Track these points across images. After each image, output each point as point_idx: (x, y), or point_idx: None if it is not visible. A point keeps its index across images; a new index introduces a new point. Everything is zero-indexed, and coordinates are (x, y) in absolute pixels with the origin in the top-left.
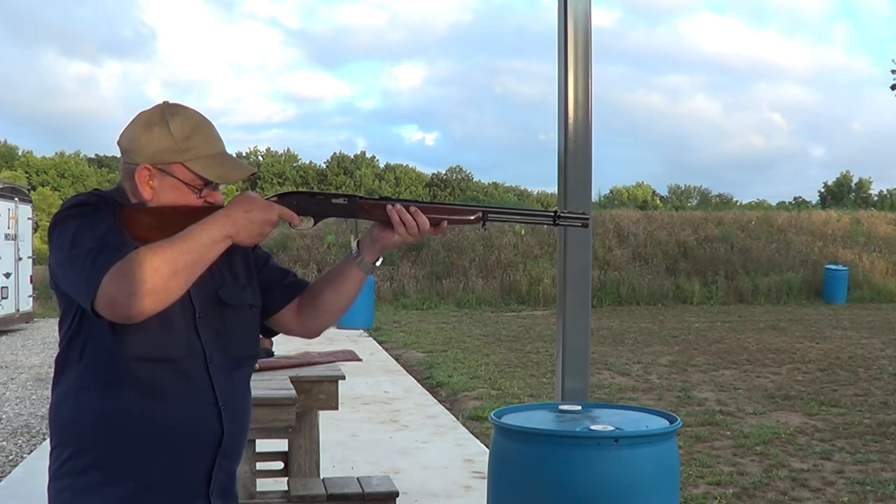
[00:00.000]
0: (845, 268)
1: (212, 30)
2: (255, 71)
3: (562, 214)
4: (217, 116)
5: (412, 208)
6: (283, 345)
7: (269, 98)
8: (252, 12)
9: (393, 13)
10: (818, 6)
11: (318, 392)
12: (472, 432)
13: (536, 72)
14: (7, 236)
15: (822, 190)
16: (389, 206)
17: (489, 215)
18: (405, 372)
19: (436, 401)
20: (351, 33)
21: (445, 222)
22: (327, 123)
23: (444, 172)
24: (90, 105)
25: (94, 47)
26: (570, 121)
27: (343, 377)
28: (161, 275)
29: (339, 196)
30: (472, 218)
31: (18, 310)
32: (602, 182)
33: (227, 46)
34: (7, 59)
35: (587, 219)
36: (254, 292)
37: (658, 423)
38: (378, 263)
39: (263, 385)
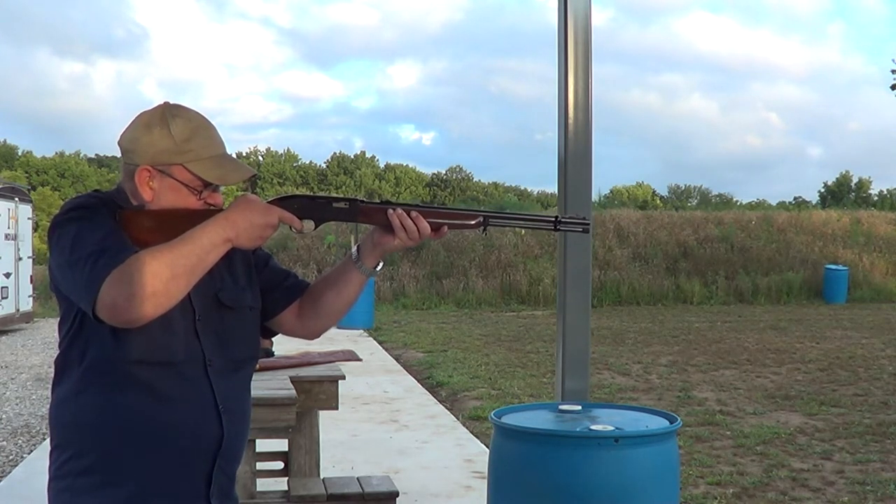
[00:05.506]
0: (845, 268)
1: (204, 29)
2: (249, 70)
3: (562, 220)
4: (214, 116)
5: (413, 213)
6: (283, 345)
7: (265, 98)
8: (243, 11)
9: (385, 12)
10: (813, 5)
11: (318, 392)
12: (472, 432)
13: (531, 71)
14: (7, 236)
15: (822, 190)
16: (390, 211)
17: (490, 220)
18: (405, 372)
19: (436, 401)
20: (343, 32)
21: (446, 227)
22: (324, 123)
23: (444, 172)
24: (85, 105)
25: (86, 47)
26: (570, 121)
27: (343, 377)
28: (161, 279)
29: (340, 200)
30: (473, 223)
31: (18, 310)
32: (602, 182)
33: (221, 46)
34: (1, 58)
35: (588, 224)
36: (254, 294)
37: (658, 423)
38: (378, 268)
39: (263, 385)
